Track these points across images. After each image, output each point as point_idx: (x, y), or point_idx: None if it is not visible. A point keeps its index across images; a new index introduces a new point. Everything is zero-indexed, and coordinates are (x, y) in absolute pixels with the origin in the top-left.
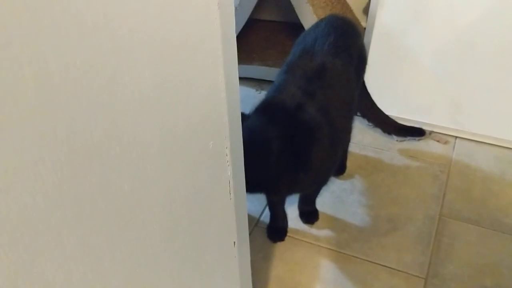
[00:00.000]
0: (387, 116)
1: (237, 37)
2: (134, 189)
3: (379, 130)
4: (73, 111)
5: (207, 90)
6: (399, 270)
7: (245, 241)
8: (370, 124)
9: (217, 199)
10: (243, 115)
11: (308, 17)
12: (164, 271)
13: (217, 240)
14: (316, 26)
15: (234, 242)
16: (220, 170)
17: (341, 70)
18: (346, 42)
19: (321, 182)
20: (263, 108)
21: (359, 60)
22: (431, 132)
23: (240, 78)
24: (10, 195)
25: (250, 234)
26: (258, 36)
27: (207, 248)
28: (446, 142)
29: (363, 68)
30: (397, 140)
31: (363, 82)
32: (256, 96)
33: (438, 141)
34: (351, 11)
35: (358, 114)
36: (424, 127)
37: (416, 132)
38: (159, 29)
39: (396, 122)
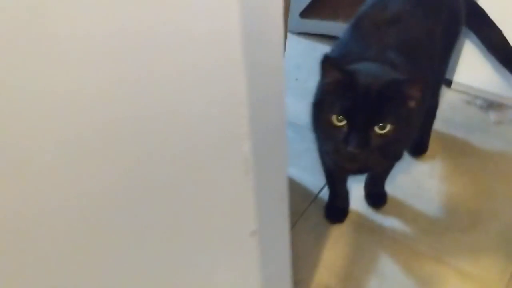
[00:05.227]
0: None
1: None
2: None
3: (474, 108)
4: None
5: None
6: (473, 275)
7: (273, 231)
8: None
9: (226, 178)
10: None
11: None
12: (149, 256)
13: (224, 228)
14: None
15: (254, 231)
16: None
17: (422, 24)
18: None
19: (396, 155)
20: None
21: (451, 20)
22: None
23: (318, 35)
24: None
25: (304, 211)
26: None
27: (210, 239)
28: None
29: (456, 31)
30: (494, 122)
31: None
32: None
33: None
34: None
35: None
36: None
37: None
38: None
39: None
